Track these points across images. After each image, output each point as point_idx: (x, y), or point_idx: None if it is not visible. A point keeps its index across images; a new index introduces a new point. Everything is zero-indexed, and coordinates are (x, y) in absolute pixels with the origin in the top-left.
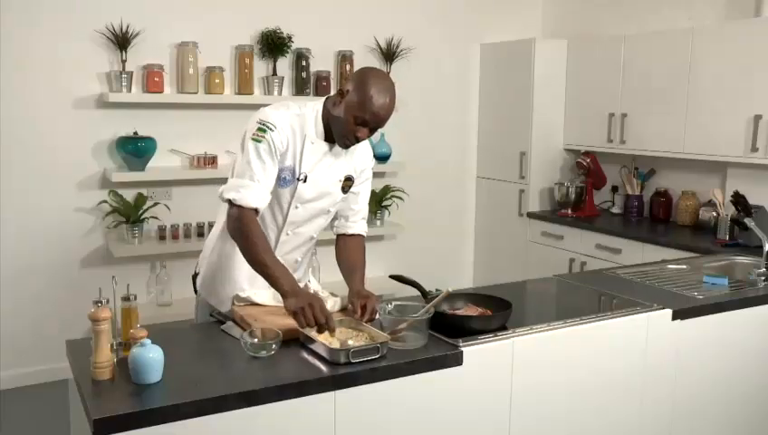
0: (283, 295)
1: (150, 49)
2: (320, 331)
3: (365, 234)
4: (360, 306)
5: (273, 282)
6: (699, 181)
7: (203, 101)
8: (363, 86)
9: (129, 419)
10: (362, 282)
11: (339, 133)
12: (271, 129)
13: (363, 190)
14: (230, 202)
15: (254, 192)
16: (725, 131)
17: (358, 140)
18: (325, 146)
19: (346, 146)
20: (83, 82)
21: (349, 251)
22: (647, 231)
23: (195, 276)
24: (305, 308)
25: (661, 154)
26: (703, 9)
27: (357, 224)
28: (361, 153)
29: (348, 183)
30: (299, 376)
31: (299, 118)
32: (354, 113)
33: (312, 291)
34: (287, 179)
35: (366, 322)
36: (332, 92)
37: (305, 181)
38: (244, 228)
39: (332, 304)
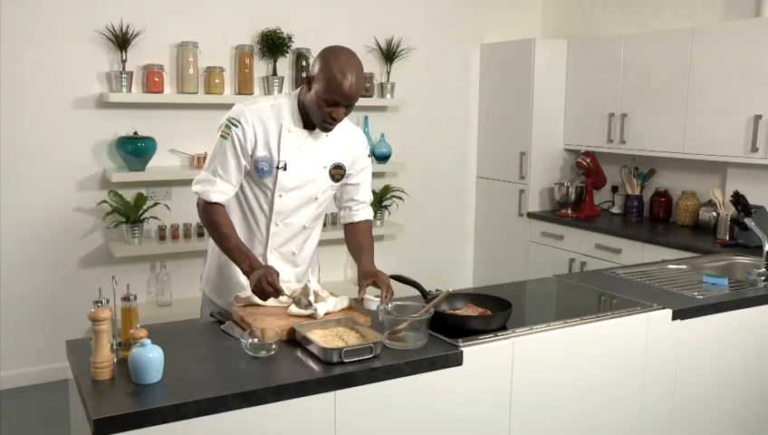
0: (245, 275)
1: (150, 49)
2: (273, 296)
3: (371, 218)
4: (365, 287)
5: (237, 264)
6: (699, 181)
7: (203, 101)
8: (327, 69)
9: (129, 419)
10: (370, 261)
11: (316, 119)
12: (236, 125)
13: (363, 180)
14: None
15: (215, 187)
16: (725, 131)
17: (336, 121)
18: (305, 133)
19: (327, 129)
20: (83, 82)
21: (356, 235)
22: (647, 231)
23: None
24: (257, 284)
25: (661, 154)
26: (703, 9)
27: (361, 211)
28: (353, 142)
29: (338, 171)
30: (299, 376)
31: (273, 108)
32: (324, 97)
33: (311, 291)
34: (265, 170)
35: (386, 298)
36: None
37: (285, 169)
38: (209, 219)
39: (333, 304)
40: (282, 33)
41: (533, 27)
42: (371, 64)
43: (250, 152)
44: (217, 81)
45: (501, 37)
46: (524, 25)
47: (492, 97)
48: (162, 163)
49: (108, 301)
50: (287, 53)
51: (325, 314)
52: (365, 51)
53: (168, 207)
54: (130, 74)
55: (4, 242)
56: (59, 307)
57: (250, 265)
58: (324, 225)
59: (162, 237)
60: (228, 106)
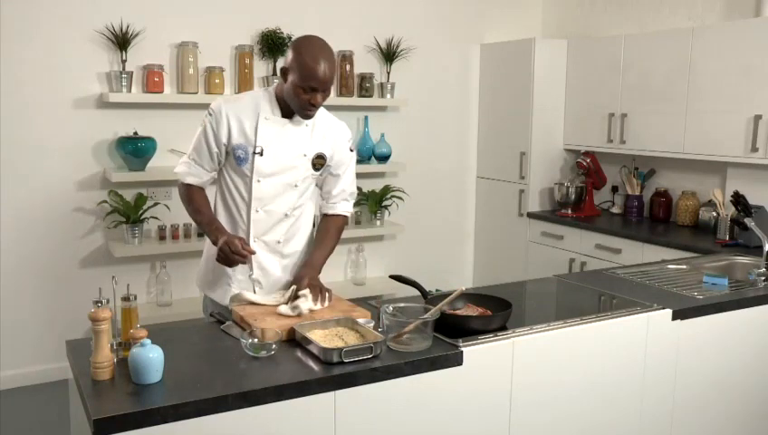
0: (214, 244)
1: (150, 49)
2: (240, 262)
3: (347, 214)
4: (291, 292)
5: (209, 236)
6: (699, 181)
7: (203, 101)
8: (299, 58)
9: (129, 419)
10: (318, 260)
11: (296, 107)
12: (210, 114)
13: (342, 173)
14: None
15: (189, 170)
16: (725, 131)
17: (315, 107)
18: (283, 121)
19: (307, 116)
20: (83, 82)
21: (323, 229)
22: (647, 231)
23: None
24: (221, 253)
25: (661, 154)
26: (703, 9)
27: (337, 204)
28: (336, 135)
29: (320, 161)
30: (299, 376)
31: (252, 99)
32: (300, 85)
33: (292, 290)
34: (242, 157)
35: (317, 300)
36: (332, 93)
37: (262, 155)
38: (184, 197)
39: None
40: (282, 33)
41: (533, 27)
42: (371, 64)
43: (225, 141)
44: (217, 81)
45: (501, 37)
46: (524, 25)
47: (492, 97)
48: (162, 163)
49: (108, 301)
50: (287, 53)
51: (310, 310)
52: (365, 51)
53: (168, 207)
54: (130, 74)
55: (4, 242)
56: (59, 307)
57: (217, 236)
58: None
59: (162, 237)
60: None
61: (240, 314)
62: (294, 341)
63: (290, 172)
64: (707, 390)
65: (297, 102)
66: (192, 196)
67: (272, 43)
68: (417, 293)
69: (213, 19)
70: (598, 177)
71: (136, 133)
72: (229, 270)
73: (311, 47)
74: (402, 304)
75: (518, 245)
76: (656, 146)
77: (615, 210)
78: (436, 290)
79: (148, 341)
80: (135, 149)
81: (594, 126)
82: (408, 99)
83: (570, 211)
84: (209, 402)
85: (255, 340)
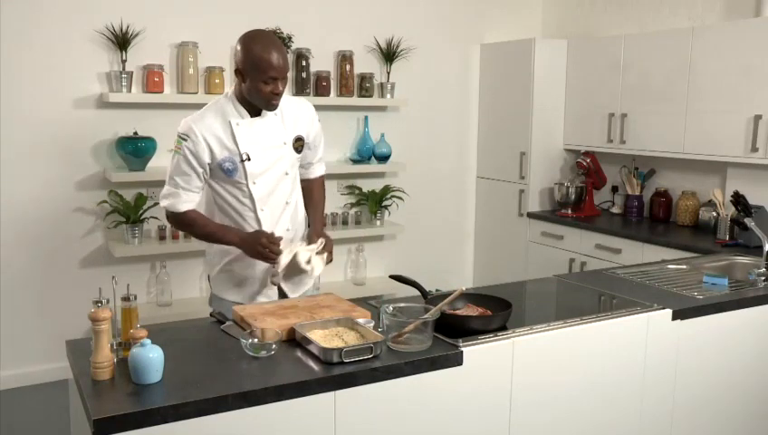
0: (238, 247)
1: (150, 49)
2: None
3: (323, 172)
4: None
5: (226, 241)
6: (699, 181)
7: (203, 101)
8: (249, 54)
9: (129, 419)
10: (321, 222)
11: (262, 102)
12: (184, 139)
13: (319, 144)
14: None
15: (180, 199)
16: (725, 131)
17: (279, 96)
18: (253, 120)
19: (274, 106)
20: (83, 82)
21: (310, 192)
22: (647, 231)
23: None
24: (259, 249)
25: (661, 154)
26: (703, 9)
27: (315, 168)
28: (304, 114)
29: (299, 143)
30: (299, 376)
31: (216, 111)
32: (261, 79)
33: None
34: (231, 169)
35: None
36: (332, 93)
37: (249, 159)
38: (183, 225)
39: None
40: (282, 33)
41: (533, 27)
42: (371, 64)
43: (208, 160)
44: (217, 81)
45: (501, 37)
46: (524, 25)
47: (492, 97)
48: (162, 163)
49: (108, 301)
50: (287, 52)
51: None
52: (365, 51)
53: None
54: (130, 74)
55: (4, 242)
56: (59, 307)
57: (238, 235)
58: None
59: (162, 237)
60: None
61: (240, 314)
62: (294, 341)
63: (278, 164)
64: (707, 390)
65: (261, 97)
66: (192, 219)
67: None
68: (417, 293)
69: (213, 19)
70: (598, 177)
71: (136, 133)
72: (247, 274)
73: (258, 40)
74: (402, 304)
75: (518, 245)
76: (656, 146)
77: (615, 210)
78: (436, 290)
79: (148, 341)
80: (135, 149)
81: (594, 126)
82: (408, 99)
83: (570, 211)
84: (209, 402)
85: (255, 340)
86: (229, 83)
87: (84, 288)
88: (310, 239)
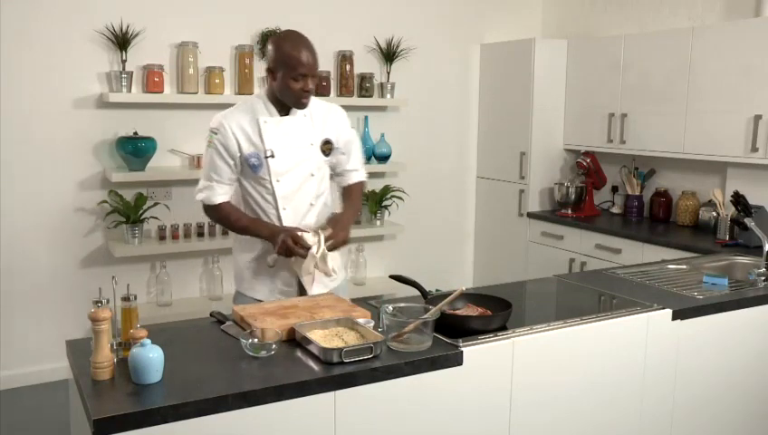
0: (268, 240)
1: (150, 49)
2: (302, 254)
3: (364, 180)
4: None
5: (258, 235)
6: (699, 181)
7: (203, 101)
8: (279, 52)
9: (129, 419)
10: (346, 215)
11: (291, 100)
12: (215, 133)
13: (350, 151)
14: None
15: (215, 192)
16: (725, 131)
17: (309, 94)
18: (282, 119)
19: (303, 105)
20: (83, 82)
21: (346, 196)
22: (647, 231)
23: None
24: (282, 244)
25: (661, 154)
26: (703, 9)
27: (354, 175)
28: (334, 118)
29: (327, 146)
30: (299, 376)
31: (246, 108)
32: (290, 75)
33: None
34: (256, 164)
35: (329, 247)
36: (332, 93)
37: (273, 156)
38: (219, 217)
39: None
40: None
41: (533, 27)
42: (371, 64)
43: (238, 153)
44: (217, 81)
45: (501, 37)
46: (524, 25)
47: (492, 97)
48: (162, 163)
49: (108, 301)
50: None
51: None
52: (365, 51)
53: (168, 207)
54: (130, 74)
55: (4, 242)
56: (59, 307)
57: (270, 230)
58: None
59: (162, 237)
60: (228, 106)
61: (240, 314)
62: (294, 341)
63: (304, 164)
64: (707, 390)
65: (291, 94)
66: (227, 211)
67: None
68: (417, 293)
69: (213, 19)
70: (598, 177)
71: (136, 133)
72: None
73: (288, 38)
74: (402, 304)
75: (518, 245)
76: (656, 146)
77: (615, 210)
78: (436, 290)
79: (148, 341)
80: (135, 149)
81: (594, 126)
82: (408, 99)
83: (570, 211)
84: (209, 402)
85: (255, 340)
86: (229, 84)
87: (84, 288)
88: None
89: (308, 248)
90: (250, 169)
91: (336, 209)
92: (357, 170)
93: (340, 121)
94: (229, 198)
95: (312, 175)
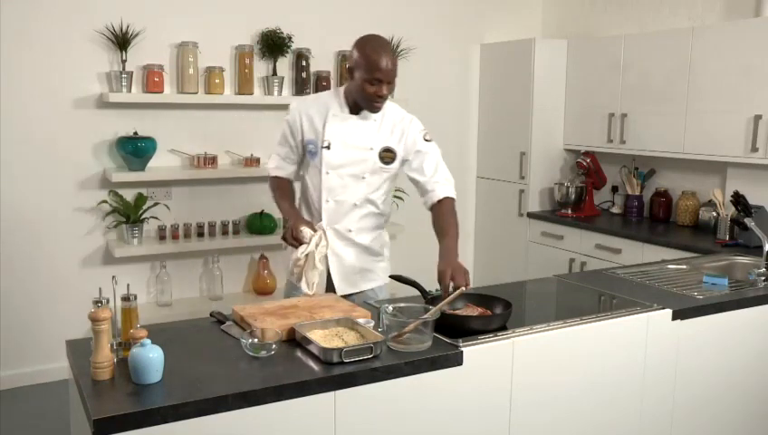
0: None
1: (150, 49)
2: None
3: (450, 195)
4: (445, 288)
5: (284, 219)
6: (699, 181)
7: (203, 101)
8: (361, 53)
9: (129, 419)
10: (448, 250)
11: (364, 101)
12: (289, 113)
13: (423, 162)
14: None
15: (274, 164)
16: (725, 131)
17: (382, 99)
18: (351, 117)
19: (376, 108)
20: (83, 82)
21: (436, 218)
22: (647, 231)
23: None
24: (285, 231)
25: (661, 154)
26: (703, 9)
27: (435, 191)
28: (404, 128)
29: (388, 154)
30: (299, 376)
31: (322, 99)
32: (366, 78)
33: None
34: (313, 151)
35: (455, 292)
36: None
37: (329, 148)
38: (271, 186)
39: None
40: (282, 33)
41: (533, 27)
42: None
43: (300, 137)
44: (217, 81)
45: (501, 37)
46: (524, 25)
47: (492, 97)
48: (162, 163)
49: (108, 301)
50: (287, 53)
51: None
52: None
53: (168, 207)
54: (130, 74)
55: (4, 242)
56: (59, 307)
57: (289, 215)
58: None
59: (162, 237)
60: (228, 106)
61: (240, 314)
62: (294, 341)
63: (357, 165)
64: (707, 390)
65: (364, 96)
66: (276, 185)
67: (272, 43)
68: (417, 293)
69: (213, 19)
70: (598, 177)
71: (136, 133)
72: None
73: (373, 42)
74: (402, 304)
75: (518, 245)
76: (656, 146)
77: (615, 210)
78: (436, 290)
79: (148, 341)
80: (135, 149)
81: (594, 126)
82: (408, 99)
83: (570, 211)
84: (209, 402)
85: (255, 340)
86: (229, 83)
87: (84, 288)
88: (441, 272)
89: (300, 242)
90: (308, 155)
91: (392, 222)
92: (439, 183)
93: (411, 132)
94: (287, 176)
95: (364, 178)
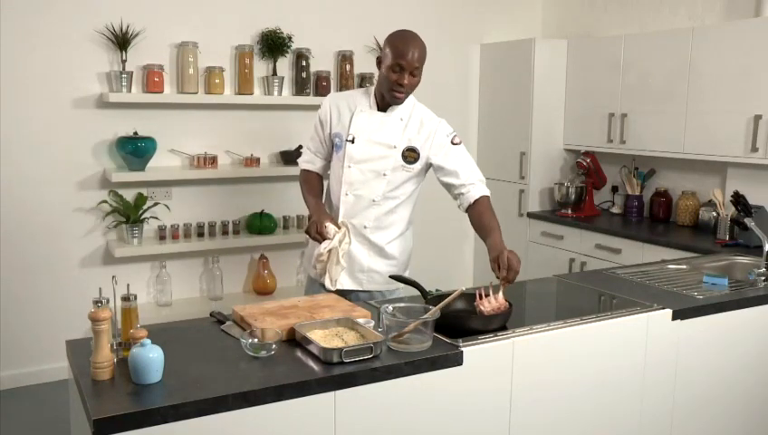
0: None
1: (150, 49)
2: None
3: (485, 193)
4: (498, 267)
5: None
6: (699, 181)
7: (203, 101)
8: (389, 42)
9: (129, 419)
10: (497, 239)
11: (386, 89)
12: (321, 106)
13: (454, 164)
14: None
15: (304, 157)
16: (725, 131)
17: (403, 87)
18: (378, 114)
19: (397, 98)
20: (83, 82)
21: (475, 218)
22: (647, 231)
23: None
24: (310, 225)
25: (661, 154)
26: (703, 9)
27: (470, 192)
28: (430, 129)
29: (411, 154)
30: (299, 376)
31: (353, 95)
32: (390, 65)
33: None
34: (338, 145)
35: (505, 281)
36: (332, 92)
37: (353, 142)
38: (300, 180)
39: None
40: (282, 33)
41: (533, 27)
42: (371, 64)
43: (329, 129)
44: (217, 81)
45: (501, 37)
46: (524, 25)
47: (492, 97)
48: (162, 163)
49: (108, 301)
50: (287, 53)
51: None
52: (365, 51)
53: (168, 207)
54: (130, 74)
55: (4, 242)
56: (59, 307)
57: (313, 210)
58: None
59: (162, 237)
60: (228, 106)
61: (240, 314)
62: (294, 341)
63: (379, 161)
64: (707, 390)
65: (387, 84)
66: (304, 178)
67: (272, 43)
68: (417, 293)
69: (213, 19)
70: (598, 177)
71: (136, 133)
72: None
73: (401, 33)
74: (402, 304)
75: (518, 245)
76: (656, 146)
77: (615, 210)
78: (436, 290)
79: (148, 341)
80: (135, 149)
81: (594, 126)
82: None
83: (570, 211)
84: (209, 402)
85: (255, 340)
86: (229, 83)
87: (84, 288)
88: (494, 258)
89: (324, 238)
90: (334, 148)
91: (414, 223)
92: (473, 185)
93: (437, 134)
94: (316, 170)
95: (385, 175)
